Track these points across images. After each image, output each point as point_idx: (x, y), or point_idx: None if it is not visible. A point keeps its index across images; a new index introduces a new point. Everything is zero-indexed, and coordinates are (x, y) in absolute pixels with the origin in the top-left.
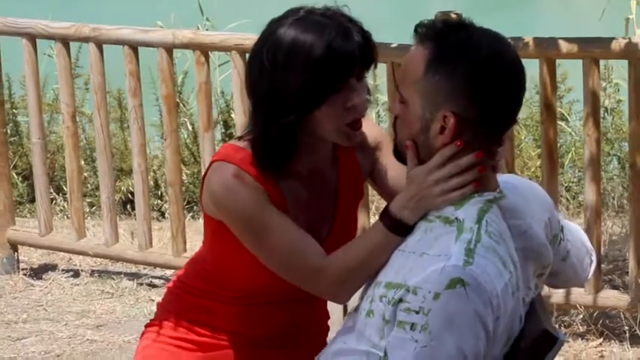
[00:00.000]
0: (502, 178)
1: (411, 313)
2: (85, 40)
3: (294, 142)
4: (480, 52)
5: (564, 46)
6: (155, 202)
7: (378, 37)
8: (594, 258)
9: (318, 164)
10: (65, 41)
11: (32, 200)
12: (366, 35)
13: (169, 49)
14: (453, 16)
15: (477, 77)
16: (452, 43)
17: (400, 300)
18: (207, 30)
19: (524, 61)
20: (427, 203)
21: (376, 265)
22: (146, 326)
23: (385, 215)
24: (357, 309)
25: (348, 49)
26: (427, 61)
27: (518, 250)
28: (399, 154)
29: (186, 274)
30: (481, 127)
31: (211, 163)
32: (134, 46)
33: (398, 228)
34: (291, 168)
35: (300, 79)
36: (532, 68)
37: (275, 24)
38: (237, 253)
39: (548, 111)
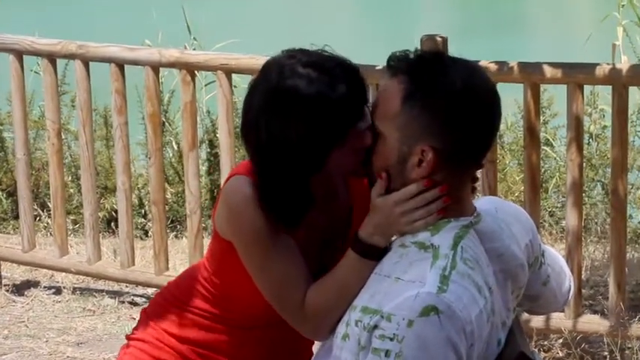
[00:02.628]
0: (484, 200)
1: (386, 340)
2: (72, 57)
3: (311, 197)
4: (455, 86)
5: (549, 71)
6: (139, 221)
7: (364, 58)
8: (572, 283)
9: (331, 187)
10: (52, 58)
11: (16, 216)
12: (355, 76)
13: (156, 67)
14: (438, 39)
15: (453, 111)
16: (427, 77)
17: (375, 326)
18: (194, 49)
19: (508, 85)
20: (395, 230)
21: (351, 294)
22: (129, 337)
23: (356, 243)
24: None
25: (341, 96)
26: (403, 95)
27: (496, 273)
28: (372, 183)
29: (185, 292)
30: (458, 158)
31: (230, 176)
32: (120, 64)
33: (370, 253)
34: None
35: (305, 138)
36: (517, 93)
37: (265, 85)
38: (247, 278)
39: (532, 136)
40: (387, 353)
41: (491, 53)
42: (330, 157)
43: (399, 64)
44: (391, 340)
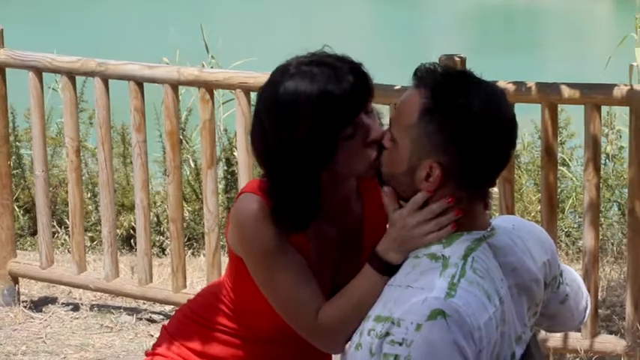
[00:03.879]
0: (502, 217)
1: (395, 345)
2: (91, 74)
3: (319, 196)
4: (473, 109)
5: (566, 91)
6: (156, 238)
7: (381, 78)
8: (589, 302)
9: (344, 200)
10: (71, 75)
11: (33, 233)
12: (356, 69)
13: (174, 85)
14: (457, 59)
15: (468, 133)
16: (448, 96)
17: (387, 333)
18: (211, 67)
19: (526, 105)
20: (410, 245)
21: (367, 309)
22: (149, 353)
23: (373, 258)
24: None
25: (344, 90)
26: (422, 109)
27: (511, 287)
28: (383, 182)
29: (205, 308)
30: (467, 177)
31: (240, 194)
32: (139, 82)
33: (386, 269)
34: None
35: (306, 132)
36: (534, 113)
37: (268, 87)
38: (259, 294)
39: (549, 156)
40: (396, 358)
41: (508, 73)
42: (338, 151)
43: (424, 76)
44: (400, 344)
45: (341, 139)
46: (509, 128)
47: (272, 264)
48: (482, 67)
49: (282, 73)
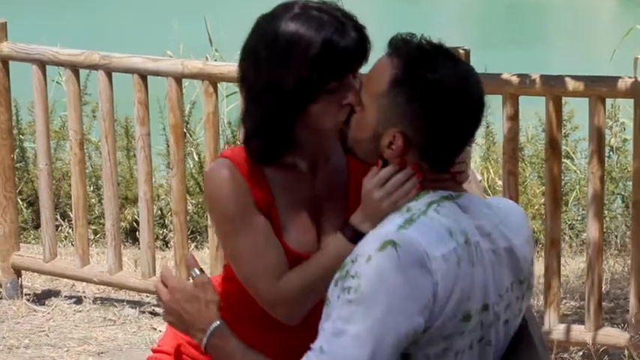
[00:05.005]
0: (493, 198)
1: (349, 279)
2: (95, 67)
3: (290, 135)
4: (442, 85)
5: (571, 84)
6: (159, 231)
7: None
8: None
9: (321, 159)
10: (75, 68)
11: (36, 226)
12: (360, 30)
13: (178, 78)
14: (461, 52)
15: (434, 111)
16: (420, 70)
17: (346, 273)
18: (215, 60)
19: (530, 98)
20: (381, 215)
21: (330, 280)
22: (154, 350)
23: (346, 229)
24: None
25: (346, 46)
26: (392, 79)
27: (487, 251)
28: (348, 147)
29: None
30: (427, 152)
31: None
32: (143, 75)
33: (359, 240)
34: (289, 162)
35: (298, 74)
36: (538, 105)
37: (270, 19)
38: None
39: (553, 148)
40: (348, 290)
41: (512, 66)
42: (316, 102)
43: (399, 46)
44: (353, 277)
45: (323, 91)
46: (476, 108)
47: (235, 227)
48: (486, 60)
49: (285, 9)
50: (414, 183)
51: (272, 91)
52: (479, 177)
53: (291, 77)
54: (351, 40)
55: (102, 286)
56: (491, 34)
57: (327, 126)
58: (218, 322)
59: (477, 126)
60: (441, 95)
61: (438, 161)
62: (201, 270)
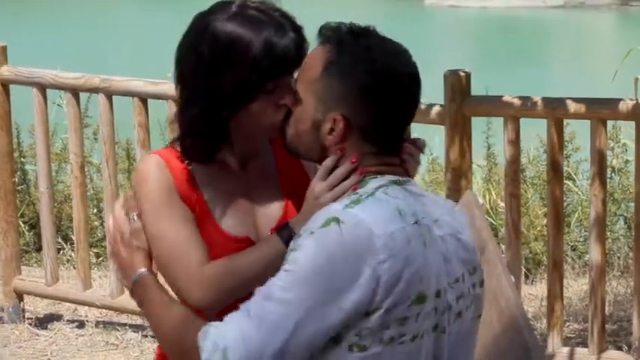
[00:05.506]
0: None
1: (291, 252)
2: (95, 90)
3: (224, 135)
4: (375, 64)
5: (572, 106)
6: None
7: None
8: None
9: (252, 154)
10: (75, 91)
11: (38, 249)
12: (299, 30)
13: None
14: (462, 74)
15: (368, 87)
16: (350, 51)
17: (291, 249)
18: None
19: (532, 120)
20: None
21: (257, 275)
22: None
23: (283, 230)
24: None
25: (285, 46)
26: (325, 63)
27: (438, 237)
28: (288, 146)
29: None
30: (369, 132)
31: None
32: (144, 98)
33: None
34: (220, 158)
35: (237, 75)
36: (539, 127)
37: (208, 18)
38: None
39: (555, 171)
40: (288, 261)
41: (512, 87)
42: (253, 102)
43: (329, 33)
44: (294, 250)
45: (261, 91)
46: (409, 83)
47: (157, 209)
48: (485, 81)
49: (223, 8)
50: (353, 180)
51: (210, 92)
52: (481, 201)
53: (230, 78)
54: (290, 40)
55: (104, 310)
56: (490, 55)
57: (263, 126)
58: (142, 270)
59: (413, 101)
60: (374, 71)
61: (381, 141)
62: (138, 216)
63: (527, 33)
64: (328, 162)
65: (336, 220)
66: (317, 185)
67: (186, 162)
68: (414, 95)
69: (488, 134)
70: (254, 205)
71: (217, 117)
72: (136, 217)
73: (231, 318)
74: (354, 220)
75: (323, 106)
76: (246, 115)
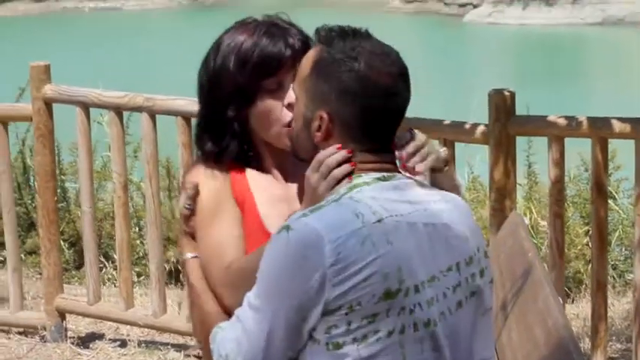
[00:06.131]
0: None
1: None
2: (139, 109)
3: (242, 136)
4: (356, 63)
5: (617, 126)
6: None
7: (428, 112)
8: None
9: (283, 154)
10: (118, 110)
11: (78, 267)
12: (299, 36)
13: None
14: (506, 94)
15: (348, 86)
16: (336, 50)
17: None
18: None
19: (577, 140)
20: (319, 200)
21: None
22: None
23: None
24: None
25: (275, 48)
26: (314, 62)
27: (422, 227)
28: (291, 149)
29: None
30: (353, 129)
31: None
32: (187, 117)
33: None
34: (262, 167)
35: (232, 76)
36: (581, 145)
37: (223, 33)
38: None
39: (599, 191)
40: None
41: (551, 104)
42: (257, 102)
43: (322, 33)
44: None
45: (263, 91)
46: (390, 82)
47: (210, 215)
48: (525, 98)
49: (236, 23)
50: (345, 168)
51: (215, 92)
52: (527, 221)
53: (228, 78)
54: (283, 44)
55: (146, 329)
56: (529, 72)
57: (275, 126)
58: (187, 255)
59: (397, 99)
60: (354, 69)
61: (365, 138)
62: (189, 204)
63: (566, 50)
64: (320, 154)
65: (287, 228)
66: (312, 176)
67: (240, 167)
68: (396, 94)
69: (529, 152)
70: (295, 207)
71: (225, 117)
72: (187, 205)
73: (230, 323)
74: (302, 228)
75: (312, 104)
76: (257, 115)
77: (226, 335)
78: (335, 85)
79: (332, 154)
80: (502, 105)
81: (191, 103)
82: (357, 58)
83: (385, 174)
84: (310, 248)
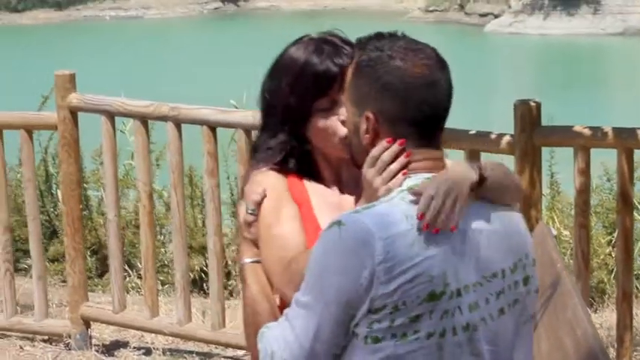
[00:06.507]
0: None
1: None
2: (164, 119)
3: (302, 152)
4: (393, 60)
5: None
6: (223, 280)
7: (453, 122)
8: None
9: (341, 165)
10: (144, 119)
11: (100, 274)
12: (352, 55)
13: (248, 130)
14: (532, 104)
15: (386, 81)
16: (372, 50)
17: None
18: None
19: (602, 150)
20: (378, 196)
21: None
22: None
23: None
24: None
25: (323, 67)
26: (353, 69)
27: (468, 232)
28: (351, 158)
29: None
30: (397, 125)
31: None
32: (213, 127)
33: None
34: (319, 174)
35: (286, 97)
36: (603, 155)
37: (284, 48)
38: None
39: (625, 201)
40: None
41: (573, 113)
42: (313, 120)
43: (361, 40)
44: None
45: (317, 110)
46: (428, 74)
47: (273, 217)
48: (547, 107)
49: (298, 39)
50: (400, 162)
51: (271, 107)
52: (554, 232)
53: (285, 93)
54: (333, 61)
55: (170, 337)
56: (551, 81)
57: (333, 141)
58: (246, 260)
59: (437, 92)
60: (391, 65)
61: (413, 133)
62: (253, 209)
63: (586, 60)
64: (374, 150)
65: (339, 223)
66: (368, 172)
67: (298, 175)
68: (434, 84)
69: (551, 162)
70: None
71: (285, 130)
72: (250, 210)
73: (278, 322)
74: (355, 223)
75: (357, 108)
76: (313, 132)
77: (273, 333)
78: (374, 84)
79: (385, 148)
80: (528, 115)
81: (216, 112)
82: (392, 55)
83: (435, 174)
84: (361, 244)
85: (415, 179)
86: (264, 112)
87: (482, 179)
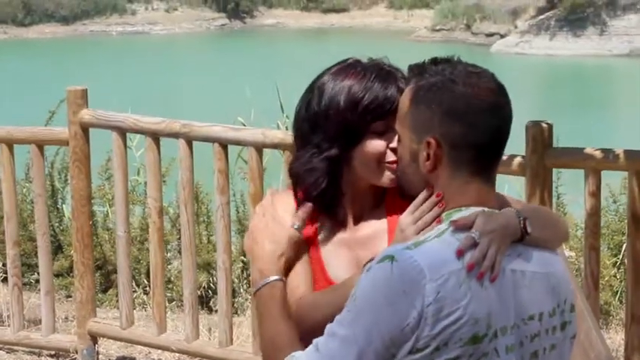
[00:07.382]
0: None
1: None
2: (176, 135)
3: (337, 177)
4: (456, 85)
5: None
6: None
7: None
8: None
9: (366, 208)
10: (155, 136)
11: (104, 290)
12: (400, 80)
13: (259, 148)
14: (544, 126)
15: (451, 105)
16: (432, 75)
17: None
18: (286, 127)
19: (613, 173)
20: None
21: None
22: None
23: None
24: None
25: (385, 93)
26: (411, 95)
27: (510, 272)
28: (399, 186)
29: None
30: (460, 150)
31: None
32: (224, 144)
33: None
34: (336, 213)
35: (342, 115)
36: (609, 178)
37: (324, 72)
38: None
39: (636, 223)
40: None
41: (580, 135)
42: (363, 142)
43: (414, 67)
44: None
45: (370, 132)
46: (492, 97)
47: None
48: (555, 128)
49: (340, 63)
50: (435, 212)
51: (319, 133)
52: (567, 253)
53: (335, 120)
54: (392, 89)
55: (177, 353)
56: (557, 102)
57: (372, 166)
58: (278, 277)
59: (500, 116)
60: (454, 89)
61: (474, 162)
62: (300, 226)
63: (592, 80)
64: (419, 197)
65: (391, 258)
66: (405, 219)
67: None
68: (499, 109)
69: (557, 184)
70: (359, 256)
71: (329, 156)
72: (297, 225)
73: (307, 351)
74: (406, 260)
75: (416, 135)
76: (361, 154)
77: None
78: (437, 109)
79: (426, 197)
80: (539, 137)
81: (227, 130)
82: (454, 80)
83: (486, 209)
84: (412, 284)
85: (465, 212)
86: (307, 137)
87: (523, 235)
